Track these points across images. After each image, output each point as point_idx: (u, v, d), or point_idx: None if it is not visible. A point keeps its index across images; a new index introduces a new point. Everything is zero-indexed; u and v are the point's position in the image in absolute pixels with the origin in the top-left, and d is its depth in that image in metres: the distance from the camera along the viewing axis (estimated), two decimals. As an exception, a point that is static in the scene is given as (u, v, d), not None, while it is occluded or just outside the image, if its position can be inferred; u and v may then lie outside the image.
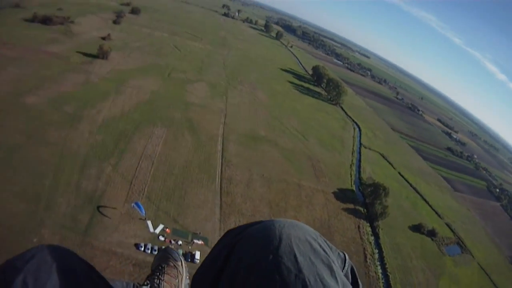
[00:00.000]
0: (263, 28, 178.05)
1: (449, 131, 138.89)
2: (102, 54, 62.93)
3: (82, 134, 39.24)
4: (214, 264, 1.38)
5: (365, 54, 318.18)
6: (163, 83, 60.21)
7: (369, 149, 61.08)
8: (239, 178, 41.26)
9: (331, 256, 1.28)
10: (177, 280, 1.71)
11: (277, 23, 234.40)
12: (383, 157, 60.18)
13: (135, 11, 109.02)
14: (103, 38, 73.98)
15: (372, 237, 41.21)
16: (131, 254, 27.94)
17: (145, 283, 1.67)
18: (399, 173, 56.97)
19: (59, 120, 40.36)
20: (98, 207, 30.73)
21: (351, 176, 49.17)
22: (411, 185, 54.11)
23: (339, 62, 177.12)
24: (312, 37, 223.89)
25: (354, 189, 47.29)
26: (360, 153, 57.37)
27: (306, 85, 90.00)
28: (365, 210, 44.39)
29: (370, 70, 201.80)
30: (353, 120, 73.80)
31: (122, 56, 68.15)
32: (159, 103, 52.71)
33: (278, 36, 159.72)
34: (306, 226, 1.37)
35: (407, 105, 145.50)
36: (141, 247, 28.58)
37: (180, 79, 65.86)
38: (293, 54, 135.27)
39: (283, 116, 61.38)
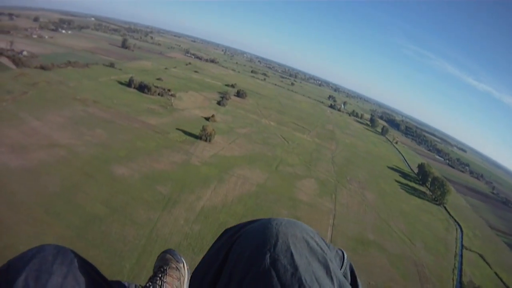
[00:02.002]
0: (368, 122, 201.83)
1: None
2: (205, 136, 67.41)
3: (176, 220, 40.53)
4: (213, 263, 1.62)
5: (462, 148, 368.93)
6: (270, 176, 64.44)
7: (470, 250, 66.60)
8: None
9: (328, 255, 1.50)
10: (179, 282, 1.93)
11: (381, 117, 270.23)
12: (482, 257, 64.83)
13: (240, 94, 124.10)
14: (207, 119, 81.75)
15: None
16: None
17: (147, 284, 1.88)
18: (495, 273, 60.53)
19: (151, 199, 42.24)
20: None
21: (453, 281, 51.89)
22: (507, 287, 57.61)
23: (440, 158, 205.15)
24: (414, 132, 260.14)
25: (456, 295, 52.32)
26: (462, 255, 63.18)
27: (412, 184, 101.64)
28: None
29: (468, 165, 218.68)
30: (455, 220, 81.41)
31: (227, 141, 74.87)
32: (266, 197, 55.32)
33: (384, 132, 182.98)
34: (304, 225, 1.58)
35: (502, 199, 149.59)
36: None
37: (288, 173, 70.41)
38: (398, 151, 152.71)
39: (391, 219, 66.87)
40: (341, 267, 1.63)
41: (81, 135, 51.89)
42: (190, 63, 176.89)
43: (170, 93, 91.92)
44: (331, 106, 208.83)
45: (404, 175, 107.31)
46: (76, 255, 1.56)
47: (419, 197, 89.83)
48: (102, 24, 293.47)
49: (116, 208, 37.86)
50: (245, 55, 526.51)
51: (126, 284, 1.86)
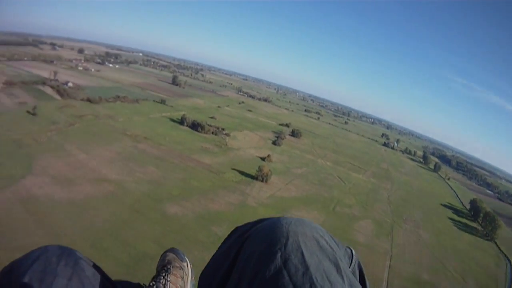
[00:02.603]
0: (421, 160, 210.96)
1: None
2: (261, 176, 68.40)
3: (233, 263, 34.32)
4: (223, 262, 1.70)
5: (510, 180, 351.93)
6: (327, 218, 66.04)
7: (518, 285, 71.63)
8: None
9: (338, 253, 1.57)
10: (182, 281, 1.97)
11: (433, 154, 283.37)
12: (525, 289, 70.06)
13: (295, 133, 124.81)
14: (263, 159, 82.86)
15: None
16: None
17: (151, 283, 1.92)
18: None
19: (205, 240, 42.11)
20: None
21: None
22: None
23: (490, 192, 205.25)
24: (465, 167, 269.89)
25: None
26: (511, 289, 69.94)
27: (464, 220, 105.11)
28: None
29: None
30: (505, 255, 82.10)
31: (284, 181, 75.52)
32: (323, 240, 48.93)
33: (436, 169, 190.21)
34: (313, 223, 1.66)
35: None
36: None
37: (346, 214, 72.62)
38: (450, 187, 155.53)
39: (444, 257, 68.18)
40: (350, 265, 1.67)
41: (131, 172, 52.64)
42: (243, 102, 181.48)
43: (224, 132, 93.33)
44: (384, 145, 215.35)
45: (456, 211, 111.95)
46: (81, 256, 1.61)
47: (471, 233, 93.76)
48: (150, 60, 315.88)
49: (167, 247, 35.12)
50: (297, 93, 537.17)
51: (131, 284, 1.92)
